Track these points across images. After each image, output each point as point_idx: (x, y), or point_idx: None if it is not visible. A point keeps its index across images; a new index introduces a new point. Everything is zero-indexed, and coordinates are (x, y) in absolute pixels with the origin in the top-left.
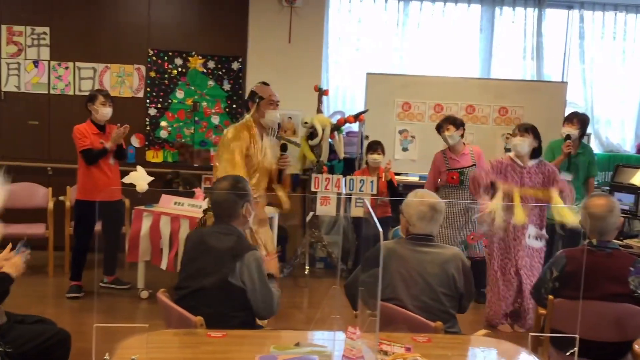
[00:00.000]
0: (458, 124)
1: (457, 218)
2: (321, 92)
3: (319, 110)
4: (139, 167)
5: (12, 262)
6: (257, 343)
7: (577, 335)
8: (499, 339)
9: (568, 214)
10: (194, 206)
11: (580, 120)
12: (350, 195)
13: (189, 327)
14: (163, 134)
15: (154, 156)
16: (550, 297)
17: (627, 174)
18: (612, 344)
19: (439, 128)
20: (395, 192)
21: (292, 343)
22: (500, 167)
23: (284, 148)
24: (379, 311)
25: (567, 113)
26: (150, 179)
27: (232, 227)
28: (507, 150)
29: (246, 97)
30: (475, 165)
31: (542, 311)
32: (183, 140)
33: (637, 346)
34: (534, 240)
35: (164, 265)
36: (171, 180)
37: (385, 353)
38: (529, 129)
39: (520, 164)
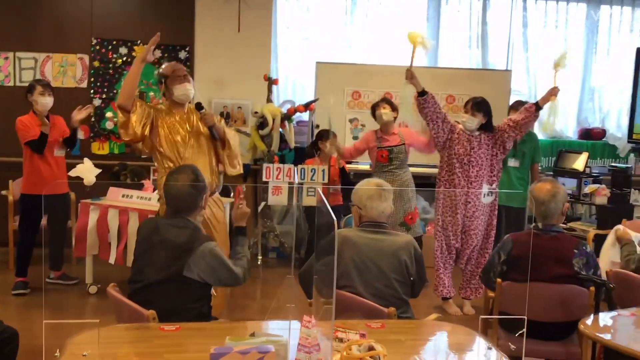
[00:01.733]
0: (394, 106)
1: (394, 201)
2: (271, 82)
3: (268, 100)
4: (85, 160)
5: None
6: (212, 335)
7: (525, 317)
8: (450, 323)
9: None
10: (143, 198)
11: (516, 107)
12: (302, 184)
13: (142, 322)
14: (109, 125)
15: (100, 148)
16: (499, 280)
17: (570, 159)
18: (559, 324)
19: (375, 107)
20: (347, 180)
21: (248, 334)
22: (453, 129)
23: (198, 107)
24: (334, 299)
25: (511, 101)
26: (98, 171)
27: (187, 220)
28: None
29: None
30: (404, 144)
31: (491, 294)
32: None
33: (581, 326)
34: (487, 197)
35: (112, 259)
36: (118, 172)
37: (341, 340)
38: (480, 107)
39: (469, 133)
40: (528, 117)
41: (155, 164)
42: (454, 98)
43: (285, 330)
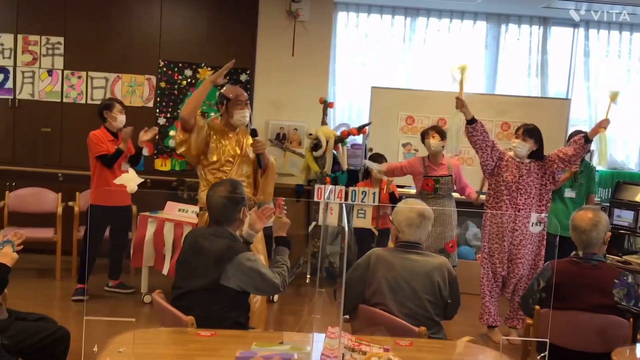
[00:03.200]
0: (443, 135)
1: (435, 227)
2: (326, 105)
3: (323, 122)
4: (130, 169)
5: (3, 252)
6: (244, 342)
7: (547, 340)
8: (482, 346)
9: None
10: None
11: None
12: (353, 206)
13: (181, 327)
14: (172, 143)
15: (162, 164)
16: (537, 307)
17: (629, 191)
18: (597, 355)
19: (424, 135)
20: (396, 203)
21: (277, 342)
22: (502, 156)
23: (253, 133)
24: (342, 313)
25: (570, 130)
26: (140, 180)
27: (226, 230)
28: None
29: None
30: (451, 175)
31: (530, 321)
32: None
33: (615, 357)
34: (535, 226)
35: (165, 270)
36: (176, 187)
37: (364, 353)
38: (531, 134)
39: (519, 160)
40: (577, 150)
41: (199, 177)
42: (509, 125)
43: (314, 342)
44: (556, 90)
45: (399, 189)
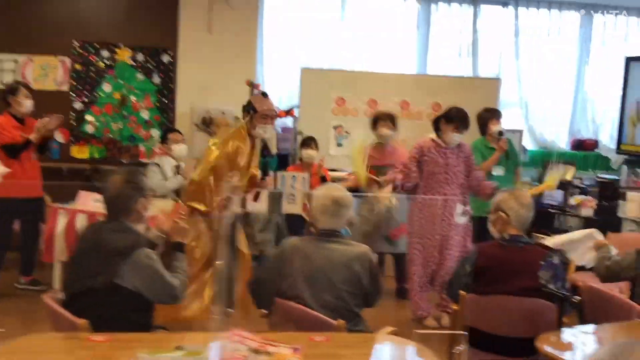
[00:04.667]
0: (395, 124)
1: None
2: (253, 87)
3: None
4: None
5: None
6: (142, 347)
7: (465, 333)
8: (403, 338)
9: None
10: None
11: (501, 115)
12: (282, 191)
13: (75, 331)
14: (89, 128)
15: (80, 152)
16: (462, 292)
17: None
18: (525, 340)
19: (376, 122)
20: None
21: (174, 346)
22: (422, 151)
23: (265, 171)
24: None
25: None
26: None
27: (123, 224)
28: None
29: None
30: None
31: (455, 307)
32: (111, 135)
33: (539, 342)
34: (460, 217)
35: None
36: (90, 176)
37: (270, 354)
38: (467, 124)
39: (443, 144)
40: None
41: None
42: (441, 106)
43: (213, 343)
44: (487, 70)
45: (331, 173)
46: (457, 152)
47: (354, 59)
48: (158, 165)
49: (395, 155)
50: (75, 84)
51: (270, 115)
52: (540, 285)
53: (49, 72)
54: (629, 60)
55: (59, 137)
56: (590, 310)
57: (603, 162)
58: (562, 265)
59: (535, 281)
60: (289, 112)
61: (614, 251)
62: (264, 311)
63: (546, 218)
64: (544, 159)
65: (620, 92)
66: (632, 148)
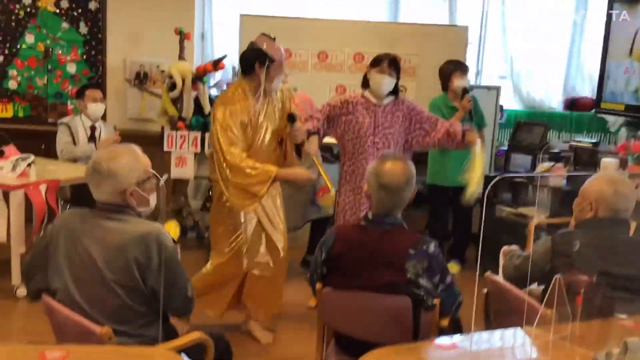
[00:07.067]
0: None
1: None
2: (182, 36)
3: (180, 58)
4: None
5: None
6: None
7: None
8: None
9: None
10: None
11: (466, 69)
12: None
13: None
14: (12, 84)
15: (3, 110)
16: (318, 285)
17: (529, 133)
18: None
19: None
20: None
21: None
22: (349, 106)
23: (291, 119)
24: None
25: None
26: None
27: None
28: None
29: (246, 55)
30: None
31: (312, 303)
32: (35, 91)
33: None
34: None
35: None
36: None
37: None
38: (397, 65)
39: (374, 101)
40: (447, 144)
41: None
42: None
43: None
44: (466, 18)
45: None
46: (391, 110)
47: (298, 5)
48: (68, 126)
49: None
50: None
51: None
52: (406, 280)
53: None
54: None
55: None
56: (495, 310)
57: (600, 124)
58: (441, 254)
59: (400, 275)
60: (217, 65)
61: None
62: None
63: (513, 188)
64: (529, 120)
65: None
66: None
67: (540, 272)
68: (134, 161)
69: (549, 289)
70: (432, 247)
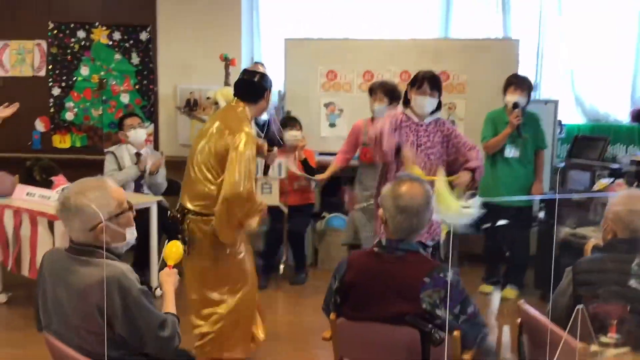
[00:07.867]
0: (394, 97)
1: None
2: (227, 62)
3: (226, 83)
4: None
5: None
6: None
7: None
8: None
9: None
10: (44, 197)
11: (529, 85)
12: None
13: None
14: (69, 116)
15: (61, 141)
16: (332, 315)
17: (589, 149)
18: None
19: (372, 92)
20: (312, 174)
21: None
22: (395, 124)
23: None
24: None
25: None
26: None
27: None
28: None
29: (255, 82)
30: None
31: (327, 334)
32: (91, 122)
33: None
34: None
35: (9, 265)
36: (31, 168)
37: None
38: (438, 84)
39: (416, 120)
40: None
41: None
42: (448, 76)
43: None
44: (521, 30)
45: (325, 157)
46: (433, 129)
47: (342, 27)
48: (114, 154)
49: None
50: (52, 67)
51: None
52: (422, 310)
53: (25, 57)
54: None
55: (40, 126)
56: (531, 347)
57: None
58: (460, 282)
59: (414, 305)
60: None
61: None
62: None
63: (570, 207)
64: (595, 134)
65: None
66: None
67: (567, 307)
68: (102, 195)
69: (571, 320)
70: (449, 274)
